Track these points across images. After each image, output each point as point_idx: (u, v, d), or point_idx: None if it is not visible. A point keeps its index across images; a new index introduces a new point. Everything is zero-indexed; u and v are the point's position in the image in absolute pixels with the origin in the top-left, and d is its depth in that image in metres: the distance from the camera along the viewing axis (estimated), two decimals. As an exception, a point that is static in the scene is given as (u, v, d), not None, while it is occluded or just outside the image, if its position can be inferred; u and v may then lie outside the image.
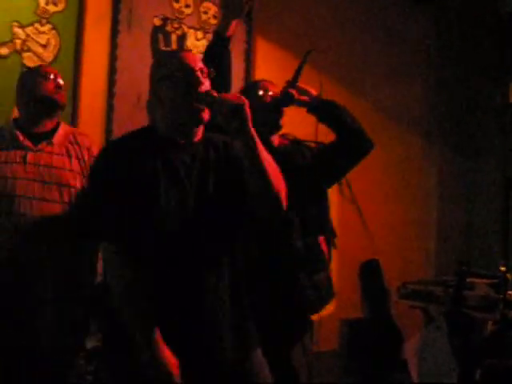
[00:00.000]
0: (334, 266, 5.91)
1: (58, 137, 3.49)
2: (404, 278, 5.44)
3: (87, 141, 3.62)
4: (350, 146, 3.57)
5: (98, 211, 2.63)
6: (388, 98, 6.29)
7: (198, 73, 2.70)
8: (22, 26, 4.87)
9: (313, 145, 3.75)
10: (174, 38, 5.49)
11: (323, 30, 6.05)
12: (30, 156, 3.40)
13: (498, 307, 4.52)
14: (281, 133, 3.71)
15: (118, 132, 5.18)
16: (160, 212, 2.59)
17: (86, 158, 3.52)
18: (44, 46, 4.94)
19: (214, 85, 3.01)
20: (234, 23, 3.56)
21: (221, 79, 3.37)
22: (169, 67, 2.77)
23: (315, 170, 3.57)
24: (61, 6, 4.99)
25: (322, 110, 3.60)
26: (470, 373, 4.35)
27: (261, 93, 3.61)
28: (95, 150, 3.55)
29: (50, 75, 3.54)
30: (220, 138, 2.86)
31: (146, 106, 2.99)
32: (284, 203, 2.74)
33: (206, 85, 2.71)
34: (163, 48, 5.43)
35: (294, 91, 3.57)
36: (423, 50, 6.54)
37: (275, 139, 3.66)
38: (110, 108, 5.22)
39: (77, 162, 3.47)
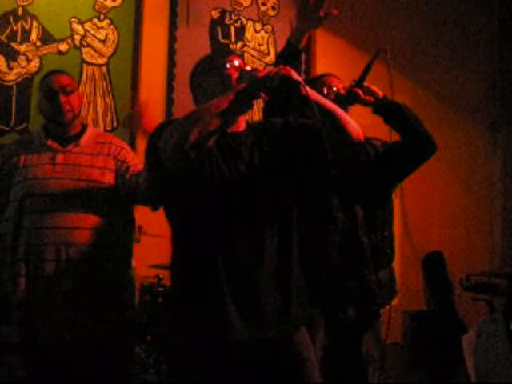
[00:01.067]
0: (397, 259, 5.90)
1: (84, 138, 3.54)
2: (468, 271, 5.36)
3: (114, 139, 3.67)
4: (413, 149, 3.50)
5: None
6: (452, 87, 6.19)
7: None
8: (80, 22, 4.94)
9: (378, 143, 3.71)
10: (232, 30, 5.49)
11: (385, 21, 5.98)
12: (59, 157, 3.45)
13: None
14: None
15: (178, 125, 5.22)
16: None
17: (116, 152, 3.56)
18: (103, 41, 5.00)
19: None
20: (307, 34, 3.54)
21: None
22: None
23: (378, 170, 3.54)
24: (118, 1, 5.05)
25: (387, 111, 3.55)
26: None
27: (325, 90, 3.58)
28: (125, 145, 3.65)
29: (57, 96, 3.51)
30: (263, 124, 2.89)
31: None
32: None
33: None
34: (223, 41, 5.44)
35: (359, 91, 3.53)
36: (487, 38, 6.41)
37: None
38: (169, 101, 5.26)
39: (104, 159, 3.51)
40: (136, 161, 3.57)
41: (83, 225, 3.39)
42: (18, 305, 3.35)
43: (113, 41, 5.03)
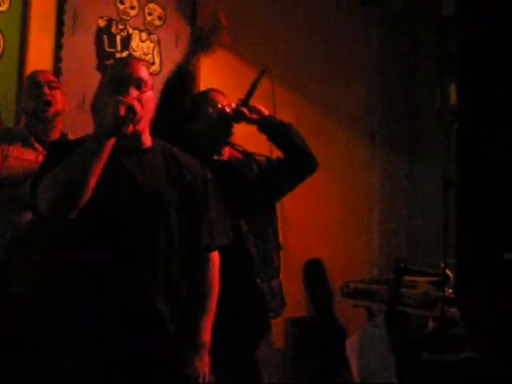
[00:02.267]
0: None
1: None
2: (347, 278, 5.52)
3: None
4: (295, 166, 3.69)
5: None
6: (333, 100, 6.36)
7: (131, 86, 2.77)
8: (-37, 27, 4.85)
9: (261, 158, 3.83)
10: (118, 39, 5.49)
11: (273, 36, 6.09)
12: (40, 158, 3.38)
13: (437, 305, 4.62)
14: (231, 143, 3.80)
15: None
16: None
17: None
18: (-13, 47, 4.92)
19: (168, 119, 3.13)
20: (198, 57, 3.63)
21: (174, 116, 3.58)
22: (109, 75, 2.88)
23: (262, 185, 3.65)
24: (4, 6, 4.95)
25: (271, 130, 3.67)
26: (407, 369, 4.44)
27: (210, 109, 3.66)
28: None
29: (38, 88, 3.58)
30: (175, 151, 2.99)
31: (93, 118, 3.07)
32: None
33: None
34: (108, 50, 5.44)
35: (245, 109, 3.64)
36: (367, 52, 6.62)
37: (226, 151, 3.73)
38: (54, 108, 5.20)
39: None
40: None
41: None
42: None
43: (-2, 46, 4.96)
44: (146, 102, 2.77)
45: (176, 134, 3.33)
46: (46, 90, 3.51)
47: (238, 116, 3.67)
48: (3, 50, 4.95)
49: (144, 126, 2.83)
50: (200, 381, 2.84)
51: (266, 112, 3.71)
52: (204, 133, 3.65)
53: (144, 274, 2.74)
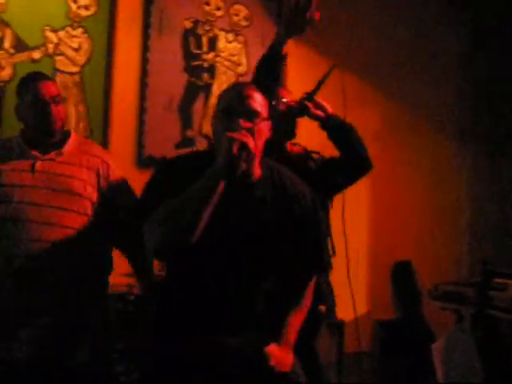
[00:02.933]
0: (366, 268, 5.96)
1: (68, 146, 3.42)
2: (436, 280, 5.42)
3: (100, 152, 3.55)
4: (351, 168, 3.63)
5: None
6: (421, 98, 6.26)
7: (242, 118, 2.61)
8: (54, 30, 4.94)
9: (316, 156, 3.78)
10: (204, 40, 5.52)
11: (357, 34, 6.03)
12: (38, 164, 3.32)
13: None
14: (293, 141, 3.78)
15: (149, 134, 5.24)
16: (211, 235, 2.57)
17: (99, 167, 3.45)
18: (76, 50, 5.01)
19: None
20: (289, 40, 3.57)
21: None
22: (220, 104, 2.72)
23: (317, 181, 3.60)
24: (92, 10, 5.05)
25: (332, 129, 3.63)
26: (496, 374, 4.33)
27: (273, 102, 3.63)
28: (109, 159, 3.52)
29: (44, 106, 3.37)
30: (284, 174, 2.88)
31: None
32: None
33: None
34: (195, 51, 5.46)
35: (310, 104, 3.59)
36: (456, 49, 6.49)
37: (287, 146, 3.70)
38: (141, 110, 5.27)
39: (87, 171, 3.39)
40: (119, 178, 3.50)
41: (58, 239, 3.28)
42: None
43: (86, 49, 5.03)
44: (259, 134, 2.63)
45: None
46: (53, 109, 3.39)
47: (301, 111, 3.63)
48: (91, 54, 5.04)
49: (256, 161, 2.72)
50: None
51: (330, 110, 3.66)
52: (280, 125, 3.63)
53: (251, 311, 2.72)
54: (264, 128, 2.67)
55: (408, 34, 6.28)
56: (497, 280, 4.81)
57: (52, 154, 3.38)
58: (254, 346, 2.71)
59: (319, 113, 3.60)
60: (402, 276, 6.07)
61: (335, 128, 3.61)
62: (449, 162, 6.37)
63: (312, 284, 2.97)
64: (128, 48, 5.21)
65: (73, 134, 3.53)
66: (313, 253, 2.88)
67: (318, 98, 3.61)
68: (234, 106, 2.62)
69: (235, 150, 2.42)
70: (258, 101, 2.68)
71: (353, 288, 5.59)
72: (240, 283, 2.66)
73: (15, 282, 3.21)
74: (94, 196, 3.40)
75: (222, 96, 2.74)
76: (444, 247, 6.23)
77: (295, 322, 2.87)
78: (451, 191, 6.36)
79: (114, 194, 3.45)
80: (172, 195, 2.51)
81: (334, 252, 3.85)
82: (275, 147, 3.55)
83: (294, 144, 3.79)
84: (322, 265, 2.98)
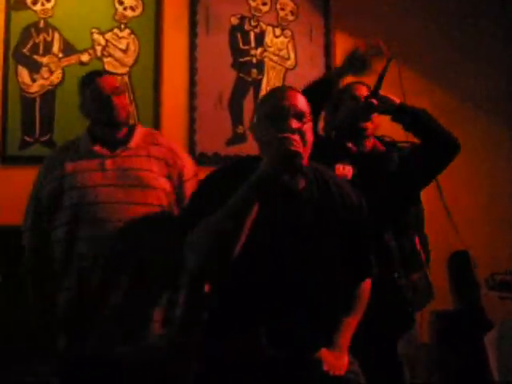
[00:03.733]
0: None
1: (134, 140, 3.43)
2: (493, 269, 5.35)
3: (166, 140, 3.58)
4: (437, 153, 3.47)
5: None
6: (471, 87, 6.16)
7: (291, 119, 2.59)
8: (101, 33, 5.01)
9: (405, 145, 3.71)
10: (252, 36, 5.51)
11: (404, 22, 5.96)
12: (108, 162, 3.35)
13: None
14: (379, 134, 3.74)
15: (200, 132, 5.27)
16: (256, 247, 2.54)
17: (168, 157, 3.45)
18: (124, 51, 5.06)
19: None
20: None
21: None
22: (265, 105, 2.68)
23: (403, 174, 3.53)
24: (138, 11, 5.10)
25: (405, 118, 3.53)
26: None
27: (348, 101, 3.63)
28: (178, 149, 3.55)
29: (106, 99, 3.40)
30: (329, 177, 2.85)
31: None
32: None
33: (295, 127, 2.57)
34: (243, 47, 5.46)
35: (375, 100, 3.52)
36: (503, 34, 6.37)
37: (368, 142, 3.65)
38: (191, 108, 5.29)
39: (157, 162, 3.40)
40: (188, 170, 3.50)
41: None
42: (66, 314, 3.33)
43: (134, 50, 5.08)
44: (308, 133, 2.61)
45: None
46: (116, 101, 3.40)
47: (368, 108, 3.58)
48: (138, 55, 5.08)
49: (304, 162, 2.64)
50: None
51: (398, 100, 3.58)
52: (343, 124, 3.61)
53: (304, 317, 2.71)
54: (310, 128, 2.65)
55: (454, 21, 6.19)
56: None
57: (119, 150, 3.40)
58: (306, 353, 2.70)
59: (387, 106, 3.54)
60: (459, 266, 5.99)
61: (407, 116, 3.52)
62: (504, 151, 6.26)
63: (367, 287, 2.94)
64: (175, 47, 5.25)
65: (138, 127, 3.56)
66: (355, 258, 2.86)
67: (382, 92, 3.56)
68: (281, 106, 2.60)
69: (285, 153, 2.38)
70: (303, 101, 2.66)
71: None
72: (289, 287, 2.63)
73: (100, 280, 3.26)
74: (168, 185, 3.41)
75: (264, 101, 2.73)
76: (500, 236, 6.13)
77: (349, 325, 2.84)
78: (504, 178, 6.25)
79: (182, 194, 3.44)
80: (217, 205, 2.48)
81: (427, 259, 3.88)
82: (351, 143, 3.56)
83: (381, 138, 3.74)
84: (365, 272, 2.95)
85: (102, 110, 3.38)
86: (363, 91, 3.63)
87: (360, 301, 2.92)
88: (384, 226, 3.47)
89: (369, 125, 3.59)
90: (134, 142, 3.43)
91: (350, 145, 3.58)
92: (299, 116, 2.59)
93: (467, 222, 6.08)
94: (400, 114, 3.50)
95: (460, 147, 3.53)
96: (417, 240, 3.79)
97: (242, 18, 5.48)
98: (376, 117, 3.61)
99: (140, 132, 3.51)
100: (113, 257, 3.28)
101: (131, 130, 3.50)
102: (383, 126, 3.73)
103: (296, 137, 2.47)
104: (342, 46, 5.69)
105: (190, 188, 3.43)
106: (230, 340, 2.65)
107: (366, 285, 2.96)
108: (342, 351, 2.79)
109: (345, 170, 3.47)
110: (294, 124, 2.56)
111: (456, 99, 6.07)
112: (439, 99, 5.94)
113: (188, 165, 3.52)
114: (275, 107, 2.61)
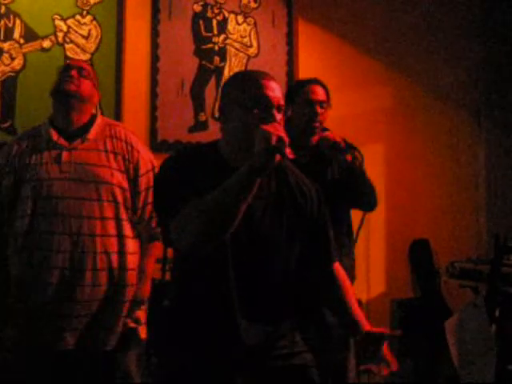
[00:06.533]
0: (383, 247, 5.94)
1: (93, 132, 3.40)
2: (453, 257, 5.42)
3: (125, 133, 3.51)
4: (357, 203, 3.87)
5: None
6: (435, 76, 6.21)
7: (275, 110, 2.57)
8: (63, 19, 4.97)
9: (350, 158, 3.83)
10: (214, 23, 5.50)
11: (370, 13, 5.99)
12: (64, 155, 3.33)
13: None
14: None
15: (162, 119, 5.26)
16: None
17: (125, 152, 3.44)
18: (85, 38, 5.02)
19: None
20: None
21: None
22: (246, 93, 2.60)
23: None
24: (101, -3, 5.07)
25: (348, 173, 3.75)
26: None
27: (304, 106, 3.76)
28: (136, 143, 3.50)
29: (69, 69, 3.42)
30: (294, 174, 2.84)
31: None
32: None
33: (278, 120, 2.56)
34: (205, 34, 5.45)
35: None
36: (471, 27, 6.42)
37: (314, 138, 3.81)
38: (153, 95, 5.28)
39: (114, 157, 3.39)
40: (144, 164, 3.48)
41: (92, 231, 3.31)
42: (21, 310, 3.33)
43: (96, 37, 5.04)
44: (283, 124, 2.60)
45: None
46: (73, 72, 3.39)
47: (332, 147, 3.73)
48: (100, 41, 5.05)
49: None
50: None
51: (350, 158, 3.74)
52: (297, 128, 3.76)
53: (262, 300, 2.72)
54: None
55: (421, 11, 6.22)
56: (512, 256, 4.81)
57: (77, 142, 3.38)
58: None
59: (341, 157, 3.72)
60: (419, 254, 6.05)
61: (351, 172, 3.74)
62: (465, 139, 6.31)
63: (337, 268, 2.93)
64: (138, 34, 5.22)
65: (99, 118, 3.53)
66: (319, 247, 2.88)
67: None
68: (266, 96, 2.57)
69: (275, 142, 2.34)
70: (281, 92, 2.65)
71: (370, 268, 5.63)
72: (248, 275, 2.64)
73: (59, 276, 3.27)
74: (124, 181, 3.40)
75: (241, 88, 2.63)
76: (461, 224, 6.19)
77: (351, 300, 2.86)
78: (467, 168, 6.31)
79: (137, 187, 3.46)
80: (191, 190, 2.48)
81: (356, 239, 4.03)
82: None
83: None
84: (329, 258, 2.96)
85: (59, 77, 3.40)
86: (318, 95, 3.72)
87: (343, 278, 2.92)
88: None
89: (318, 124, 3.78)
90: (91, 134, 3.40)
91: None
92: (280, 108, 2.59)
93: (428, 211, 6.16)
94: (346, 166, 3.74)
95: (376, 206, 3.87)
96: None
97: (205, 5, 5.46)
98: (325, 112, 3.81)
99: (100, 123, 3.48)
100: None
101: (91, 120, 3.47)
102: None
103: (281, 127, 2.44)
104: (305, 33, 5.72)
105: (144, 183, 3.45)
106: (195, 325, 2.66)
107: (344, 275, 2.97)
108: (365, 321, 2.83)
109: None
110: (277, 115, 2.56)
111: (420, 89, 6.13)
112: (404, 89, 6.00)
113: (144, 159, 3.50)
114: (258, 97, 2.57)
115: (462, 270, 5.16)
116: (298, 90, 3.83)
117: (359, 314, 2.82)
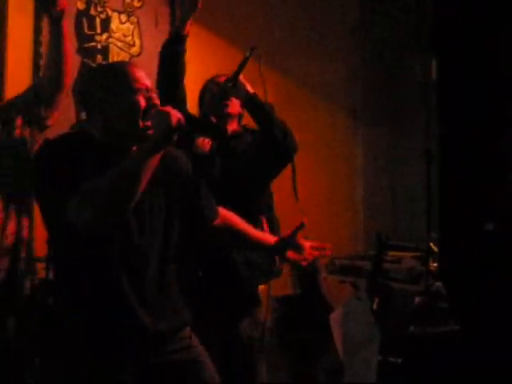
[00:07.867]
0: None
1: None
2: (333, 254, 5.54)
3: None
4: (272, 147, 3.83)
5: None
6: (314, 76, 6.34)
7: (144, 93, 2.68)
8: None
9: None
10: (98, 21, 5.48)
11: (247, 11, 6.07)
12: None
13: (422, 279, 4.67)
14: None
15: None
16: None
17: None
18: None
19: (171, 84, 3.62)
20: (190, 21, 3.82)
21: (177, 79, 3.84)
22: (114, 81, 2.73)
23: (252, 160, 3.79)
24: (-18, -8, 4.96)
25: (253, 108, 3.80)
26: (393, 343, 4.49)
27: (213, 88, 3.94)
28: None
29: None
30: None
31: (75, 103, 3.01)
32: None
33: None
34: (88, 32, 5.42)
35: (230, 86, 3.73)
36: (349, 27, 6.59)
37: (230, 126, 3.94)
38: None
39: None
40: None
41: None
42: None
43: (-25, 32, 4.95)
44: None
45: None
46: None
47: (225, 90, 3.78)
48: (-18, 37, 4.96)
49: None
50: None
51: (252, 90, 3.79)
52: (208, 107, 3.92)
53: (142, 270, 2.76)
54: None
55: (298, 9, 6.35)
56: (392, 253, 5.00)
57: None
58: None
59: (242, 92, 3.78)
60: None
61: (258, 108, 3.78)
62: (342, 138, 6.48)
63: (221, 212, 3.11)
64: (20, 30, 5.12)
65: None
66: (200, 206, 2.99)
67: (241, 79, 3.77)
68: (139, 80, 2.68)
69: (175, 122, 2.46)
70: None
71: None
72: (145, 262, 2.72)
73: None
74: None
75: (114, 74, 2.77)
76: (340, 222, 6.35)
77: (248, 229, 3.19)
78: (345, 166, 6.47)
79: None
80: (82, 170, 2.51)
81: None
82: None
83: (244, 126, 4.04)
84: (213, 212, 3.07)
85: None
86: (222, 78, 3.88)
87: (229, 220, 3.14)
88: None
89: (228, 103, 3.88)
90: None
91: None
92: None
93: (308, 208, 6.27)
94: (250, 102, 3.69)
95: (296, 149, 4.01)
96: (264, 222, 3.95)
97: (89, 3, 5.43)
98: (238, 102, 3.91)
99: None
100: None
101: None
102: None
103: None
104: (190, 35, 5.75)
105: None
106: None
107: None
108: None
109: (204, 142, 3.73)
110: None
111: (295, 84, 6.24)
112: (279, 84, 6.10)
113: None
114: (137, 80, 2.69)
115: (341, 267, 5.32)
116: (208, 81, 4.08)
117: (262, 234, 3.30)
